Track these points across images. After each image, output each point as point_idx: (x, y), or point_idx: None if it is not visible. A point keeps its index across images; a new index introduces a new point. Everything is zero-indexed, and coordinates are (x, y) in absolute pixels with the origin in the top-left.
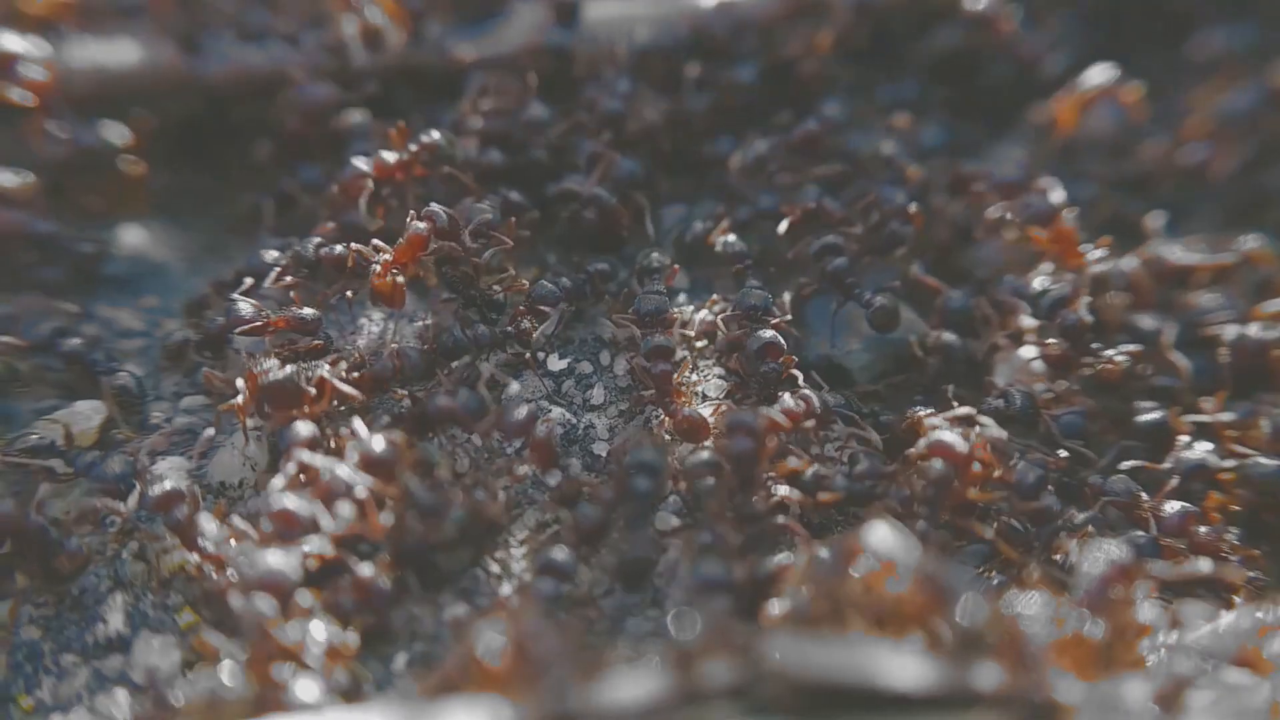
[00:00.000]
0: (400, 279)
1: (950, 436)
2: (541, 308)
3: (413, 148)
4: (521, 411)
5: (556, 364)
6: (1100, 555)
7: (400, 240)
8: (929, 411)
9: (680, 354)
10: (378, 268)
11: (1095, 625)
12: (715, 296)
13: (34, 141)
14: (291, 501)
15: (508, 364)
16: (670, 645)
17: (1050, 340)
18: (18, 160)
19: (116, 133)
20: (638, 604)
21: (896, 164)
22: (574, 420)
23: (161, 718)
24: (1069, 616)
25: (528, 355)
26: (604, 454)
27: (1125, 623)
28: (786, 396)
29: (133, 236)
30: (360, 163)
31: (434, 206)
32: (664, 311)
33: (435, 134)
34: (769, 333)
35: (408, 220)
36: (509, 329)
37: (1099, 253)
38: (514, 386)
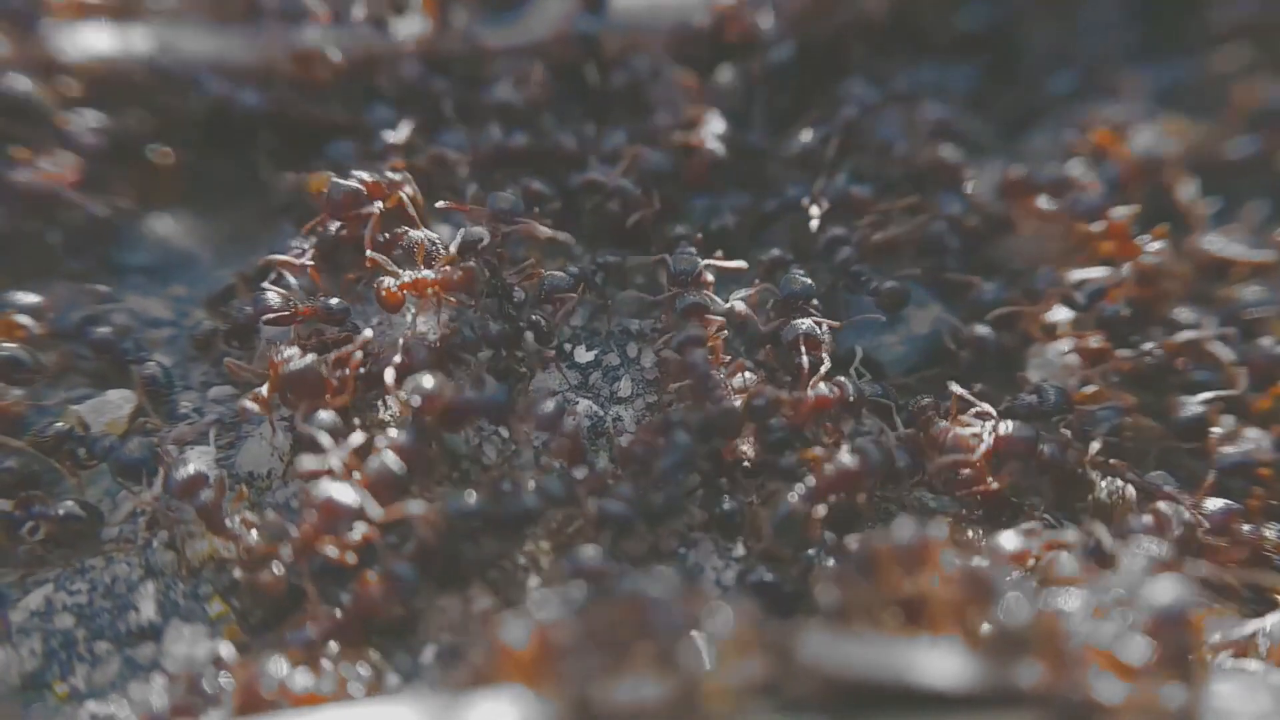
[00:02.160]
0: (408, 295)
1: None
2: (557, 298)
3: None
4: (549, 405)
5: (584, 356)
6: (1140, 553)
7: (430, 273)
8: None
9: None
10: (393, 285)
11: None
12: (757, 284)
13: (70, 130)
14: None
15: (533, 356)
16: (703, 639)
17: (1086, 333)
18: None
19: (145, 122)
20: None
21: (953, 168)
22: (601, 413)
23: (196, 706)
24: (1109, 615)
25: (549, 349)
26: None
27: None
28: (821, 384)
29: (161, 226)
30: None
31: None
32: (696, 269)
33: (409, 189)
34: (805, 323)
35: (441, 254)
36: (529, 321)
37: (1156, 243)
38: (541, 379)
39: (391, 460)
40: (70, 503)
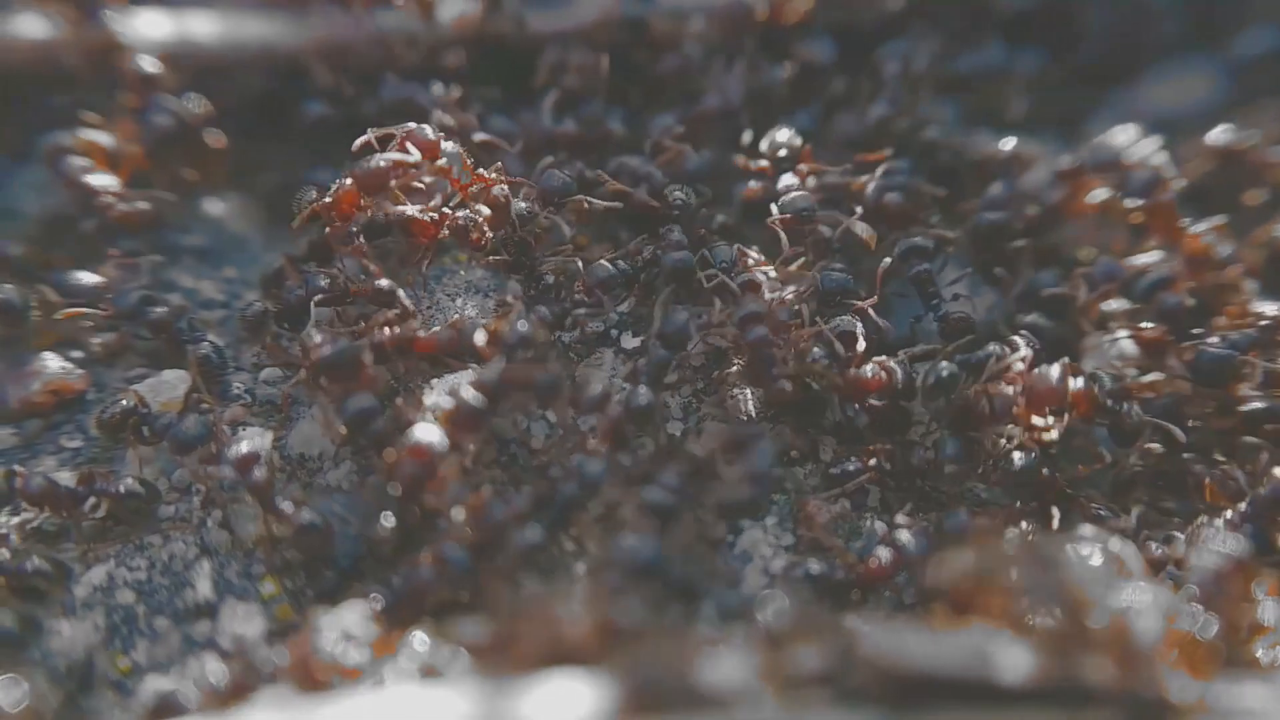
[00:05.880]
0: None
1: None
2: (599, 291)
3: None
4: (596, 389)
5: (630, 342)
6: (1214, 549)
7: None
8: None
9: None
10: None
11: (1210, 622)
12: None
13: (137, 113)
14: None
15: (580, 341)
16: (758, 628)
17: (1145, 324)
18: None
19: (199, 105)
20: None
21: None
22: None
23: (251, 683)
24: (1182, 612)
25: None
26: (678, 433)
27: (1242, 621)
28: (867, 366)
29: (213, 208)
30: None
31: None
32: (734, 258)
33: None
34: (846, 318)
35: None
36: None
37: (1202, 226)
38: (587, 365)
39: (471, 395)
40: (130, 480)
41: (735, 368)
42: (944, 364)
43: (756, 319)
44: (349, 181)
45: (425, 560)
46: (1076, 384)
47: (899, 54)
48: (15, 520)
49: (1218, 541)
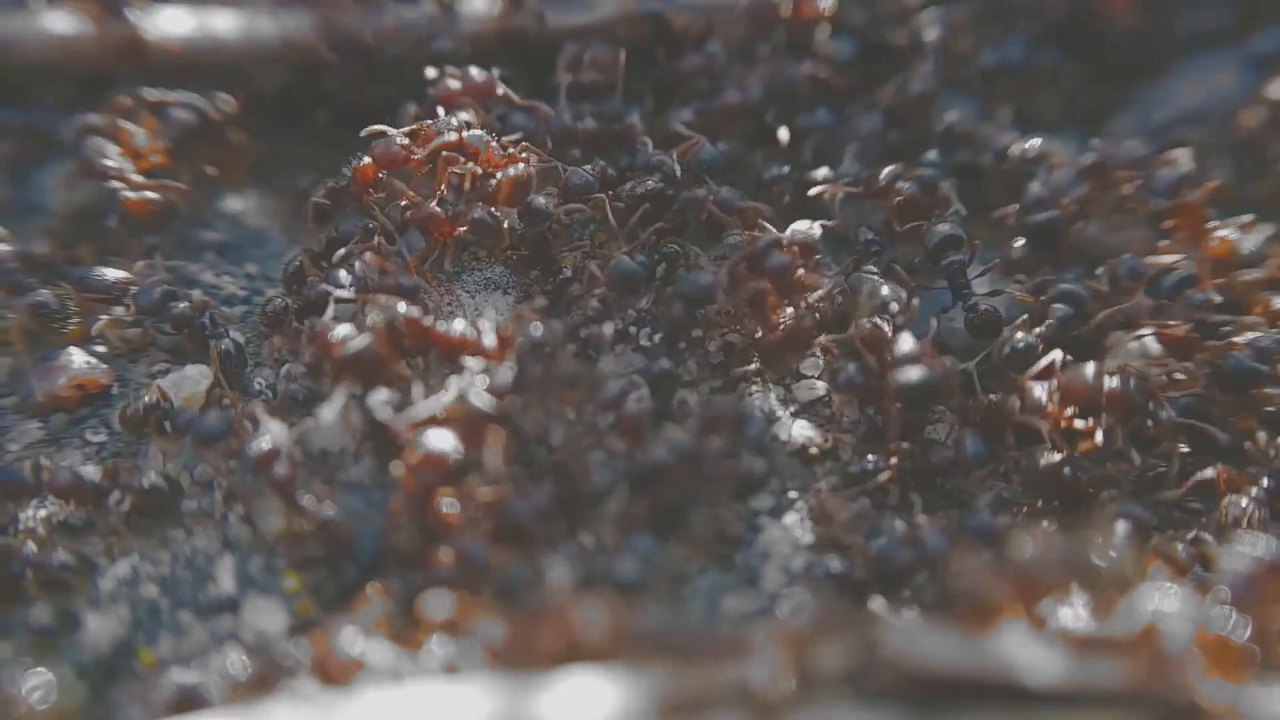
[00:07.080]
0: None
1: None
2: (621, 288)
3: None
4: (613, 386)
5: (647, 339)
6: (1246, 550)
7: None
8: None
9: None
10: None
11: (1242, 626)
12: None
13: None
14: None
15: (596, 338)
16: (779, 627)
17: (1170, 322)
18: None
19: (222, 102)
20: (732, 583)
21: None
22: None
23: (273, 677)
24: (1214, 615)
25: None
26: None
27: (1273, 624)
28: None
29: (233, 204)
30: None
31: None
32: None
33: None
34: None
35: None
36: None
37: (1226, 231)
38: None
39: (482, 400)
40: (154, 475)
41: (753, 365)
42: (1020, 335)
43: (776, 246)
44: (366, 160)
45: (446, 557)
46: (1111, 383)
47: (941, 20)
48: (42, 514)
49: (1248, 543)
